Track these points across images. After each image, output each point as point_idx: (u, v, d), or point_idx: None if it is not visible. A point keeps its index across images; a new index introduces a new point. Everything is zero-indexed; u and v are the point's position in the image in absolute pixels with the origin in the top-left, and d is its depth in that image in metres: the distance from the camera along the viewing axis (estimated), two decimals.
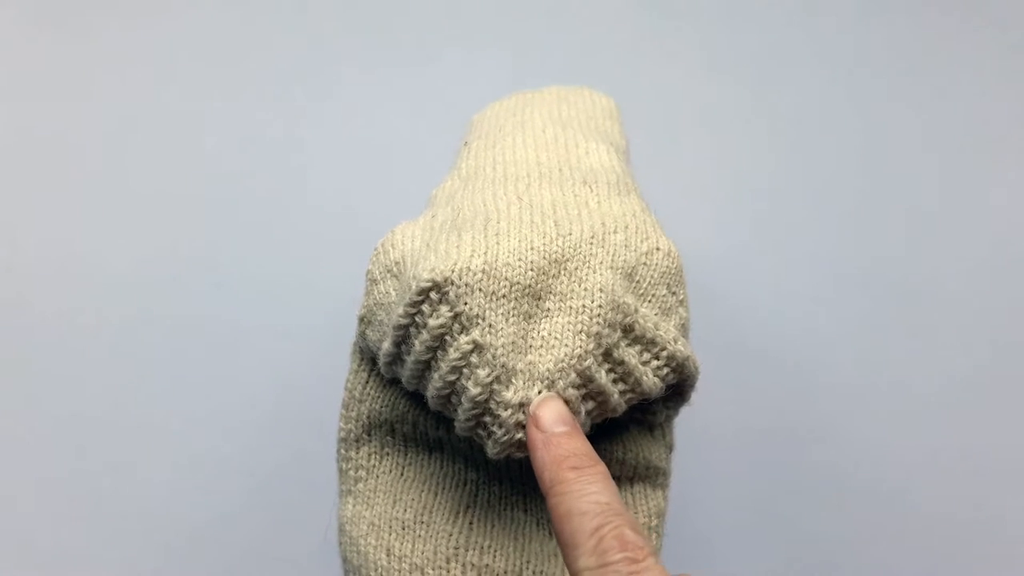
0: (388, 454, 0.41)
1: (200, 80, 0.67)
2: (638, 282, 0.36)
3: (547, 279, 0.34)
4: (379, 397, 0.40)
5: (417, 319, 0.34)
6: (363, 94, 0.68)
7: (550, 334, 0.34)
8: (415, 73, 0.68)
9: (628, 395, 0.35)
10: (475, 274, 0.33)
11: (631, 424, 0.39)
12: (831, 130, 0.68)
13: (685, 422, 0.42)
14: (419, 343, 0.34)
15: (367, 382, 0.41)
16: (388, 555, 0.38)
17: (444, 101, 0.68)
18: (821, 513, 0.62)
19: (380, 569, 0.38)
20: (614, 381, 0.35)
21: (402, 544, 0.38)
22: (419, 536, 0.38)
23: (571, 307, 0.34)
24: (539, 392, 0.33)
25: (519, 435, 0.33)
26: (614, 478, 0.39)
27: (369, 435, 0.41)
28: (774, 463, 0.63)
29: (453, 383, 0.34)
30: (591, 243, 0.36)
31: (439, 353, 0.34)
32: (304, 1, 0.69)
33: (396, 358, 0.36)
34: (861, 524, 0.62)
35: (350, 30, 0.69)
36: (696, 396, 0.39)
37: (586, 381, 0.34)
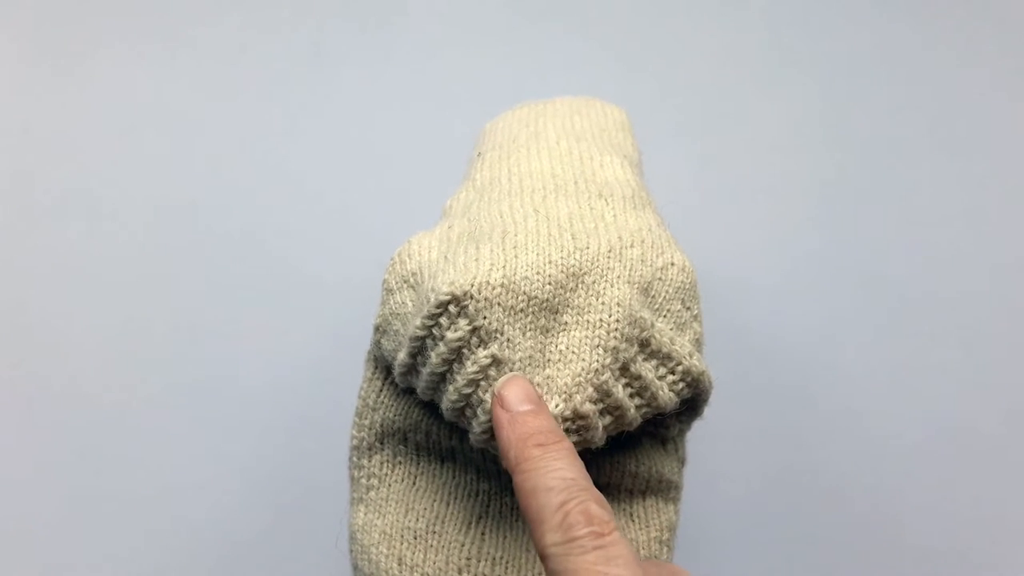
0: (400, 463, 0.41)
1: (204, 83, 0.67)
2: (653, 297, 0.36)
3: (565, 293, 0.35)
4: (393, 406, 0.40)
5: (435, 331, 0.34)
6: (370, 98, 0.68)
7: (568, 348, 0.34)
8: (420, 77, 0.68)
9: (644, 409, 0.36)
10: (494, 288, 0.34)
11: (644, 437, 0.39)
12: (831, 132, 0.68)
13: (695, 432, 0.42)
14: (436, 355, 0.34)
15: (381, 391, 0.41)
16: (399, 564, 0.39)
17: (449, 105, 0.68)
18: (821, 514, 0.62)
19: None
20: (631, 396, 0.35)
21: (414, 553, 0.39)
22: (431, 546, 0.38)
23: (588, 321, 0.34)
24: (556, 406, 0.33)
25: None
26: (627, 491, 0.39)
27: (382, 443, 0.41)
28: (774, 464, 0.63)
29: (469, 396, 0.34)
30: (608, 257, 0.36)
31: (456, 366, 0.34)
32: (305, 4, 0.69)
33: (411, 368, 0.36)
34: (861, 525, 0.62)
35: (352, 33, 0.69)
36: (710, 407, 0.40)
37: (603, 396, 0.34)
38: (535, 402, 0.33)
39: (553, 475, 0.30)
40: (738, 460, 0.63)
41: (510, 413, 0.32)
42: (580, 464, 0.31)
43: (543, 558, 0.29)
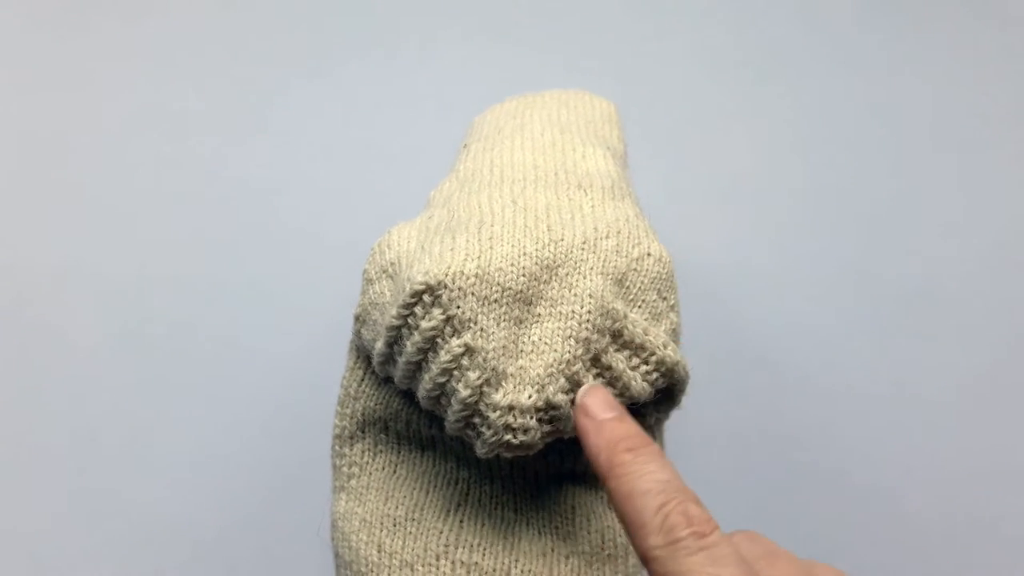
0: (381, 451, 0.41)
1: (196, 80, 0.68)
2: (628, 287, 0.37)
3: (538, 284, 0.35)
4: (374, 395, 0.41)
5: (409, 321, 0.35)
6: (361, 93, 0.68)
7: (540, 339, 0.34)
8: (413, 72, 0.69)
9: (617, 399, 0.36)
10: (468, 278, 0.34)
11: None
12: (830, 132, 0.68)
13: (681, 425, 0.43)
14: (411, 344, 0.35)
15: (362, 380, 0.41)
16: (379, 551, 0.39)
17: (441, 100, 0.68)
18: (817, 516, 0.62)
19: (371, 565, 0.39)
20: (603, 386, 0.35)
21: (393, 540, 0.39)
22: (410, 533, 0.39)
23: (561, 312, 0.34)
24: (529, 396, 0.34)
25: (507, 436, 0.34)
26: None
27: (363, 432, 0.42)
28: (771, 466, 0.63)
29: (443, 384, 0.34)
30: (583, 248, 0.36)
31: (430, 355, 0.34)
32: (303, 5, 0.69)
33: (389, 358, 0.37)
34: (858, 527, 0.62)
35: (348, 29, 0.69)
36: (691, 398, 0.40)
37: (574, 386, 0.34)
38: (617, 408, 0.33)
39: (648, 478, 0.30)
40: (733, 462, 0.63)
41: (596, 421, 0.33)
42: (671, 465, 0.31)
43: (646, 561, 0.29)
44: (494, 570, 0.38)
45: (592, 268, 0.35)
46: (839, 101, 0.68)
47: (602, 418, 0.33)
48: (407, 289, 0.34)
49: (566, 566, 0.39)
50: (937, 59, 0.69)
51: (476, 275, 0.34)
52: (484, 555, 0.38)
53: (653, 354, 0.36)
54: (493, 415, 0.33)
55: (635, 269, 0.37)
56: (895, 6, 0.69)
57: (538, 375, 0.34)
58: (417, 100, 0.68)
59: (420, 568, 0.38)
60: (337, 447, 0.42)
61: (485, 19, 0.70)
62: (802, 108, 0.68)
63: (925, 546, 0.62)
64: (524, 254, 0.35)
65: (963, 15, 0.69)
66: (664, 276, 0.38)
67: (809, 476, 0.63)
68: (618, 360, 0.35)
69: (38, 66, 0.67)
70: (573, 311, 0.34)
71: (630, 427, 0.33)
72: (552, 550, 0.39)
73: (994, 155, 0.67)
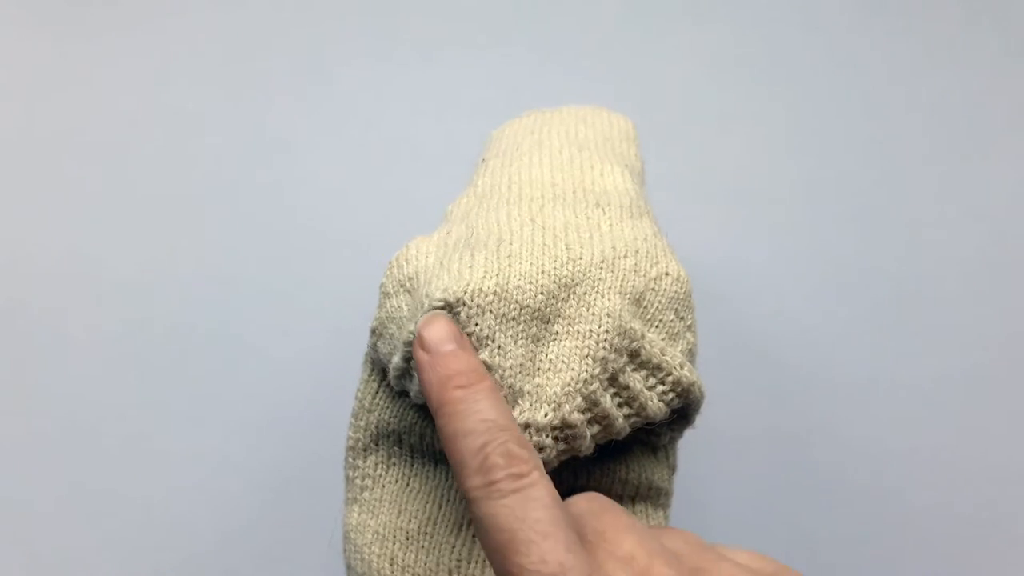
0: (395, 464, 0.41)
1: (200, 82, 0.68)
2: (646, 307, 0.37)
3: (556, 303, 0.35)
4: (388, 408, 0.41)
5: None
6: (373, 100, 0.68)
7: (557, 358, 0.34)
8: (423, 80, 0.69)
9: (633, 419, 0.36)
10: (487, 296, 0.34)
11: (635, 444, 0.40)
12: (831, 132, 0.68)
13: None
14: None
15: (377, 392, 0.41)
16: (392, 564, 0.39)
17: (453, 109, 0.68)
18: (821, 515, 0.62)
19: None
20: (619, 405, 0.35)
21: (405, 554, 0.39)
22: (422, 547, 0.39)
23: (578, 331, 0.35)
24: (545, 415, 0.34)
25: None
26: (616, 497, 0.40)
27: (377, 445, 0.42)
28: (774, 465, 0.63)
29: None
30: (601, 267, 0.36)
31: None
32: (308, 2, 0.69)
33: (405, 372, 0.37)
34: (861, 525, 0.62)
35: (357, 32, 0.69)
36: None
37: (591, 405, 0.34)
38: (457, 341, 0.32)
39: (475, 417, 0.30)
40: (736, 461, 0.63)
41: (431, 355, 0.32)
42: (502, 403, 0.31)
43: (468, 503, 0.29)
44: None
45: (610, 287, 0.36)
46: (839, 101, 0.68)
47: (438, 351, 0.32)
48: (426, 305, 0.34)
49: None
50: (936, 60, 0.69)
51: (495, 293, 0.34)
52: None
53: (670, 374, 0.36)
54: None
55: (653, 289, 0.37)
56: (895, 7, 0.70)
57: (555, 394, 0.34)
58: (426, 105, 0.68)
59: None
60: (350, 458, 0.42)
61: (486, 19, 0.70)
62: (802, 108, 0.68)
63: (925, 544, 0.62)
64: (542, 272, 0.35)
65: (963, 15, 0.69)
66: (682, 296, 0.38)
67: (809, 474, 0.63)
68: (635, 380, 0.35)
69: (39, 65, 0.68)
70: (591, 330, 0.34)
71: (465, 362, 0.32)
72: None
73: (994, 154, 0.67)
